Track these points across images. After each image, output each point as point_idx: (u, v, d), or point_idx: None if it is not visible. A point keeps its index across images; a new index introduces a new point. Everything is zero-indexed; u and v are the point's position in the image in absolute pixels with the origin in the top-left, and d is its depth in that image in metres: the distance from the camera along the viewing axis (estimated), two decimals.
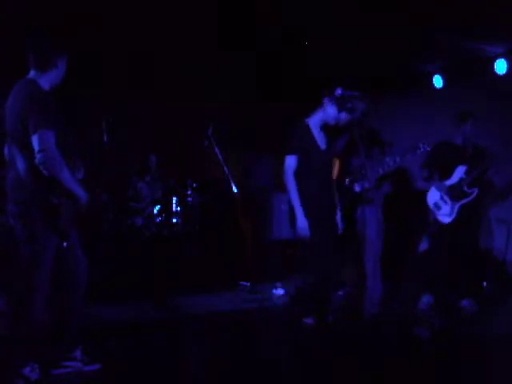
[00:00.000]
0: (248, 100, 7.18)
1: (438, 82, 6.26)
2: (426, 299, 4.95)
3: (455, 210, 4.82)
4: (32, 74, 2.96)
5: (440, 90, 6.26)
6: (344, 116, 3.94)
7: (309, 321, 4.22)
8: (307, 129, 3.89)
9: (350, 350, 3.63)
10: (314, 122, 3.94)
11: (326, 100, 3.90)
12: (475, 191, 4.77)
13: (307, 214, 3.78)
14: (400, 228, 5.56)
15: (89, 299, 3.17)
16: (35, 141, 2.75)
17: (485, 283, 5.28)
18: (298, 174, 3.85)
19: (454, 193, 4.85)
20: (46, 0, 4.37)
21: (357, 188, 4.27)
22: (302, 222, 3.77)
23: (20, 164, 2.84)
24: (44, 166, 2.74)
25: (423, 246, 5.83)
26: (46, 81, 2.95)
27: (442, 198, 4.90)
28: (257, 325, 4.47)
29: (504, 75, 5.58)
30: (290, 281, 5.89)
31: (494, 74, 5.63)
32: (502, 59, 5.56)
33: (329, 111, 3.89)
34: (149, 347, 3.66)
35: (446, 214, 4.89)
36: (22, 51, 2.96)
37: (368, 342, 3.76)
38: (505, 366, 3.32)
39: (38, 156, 2.74)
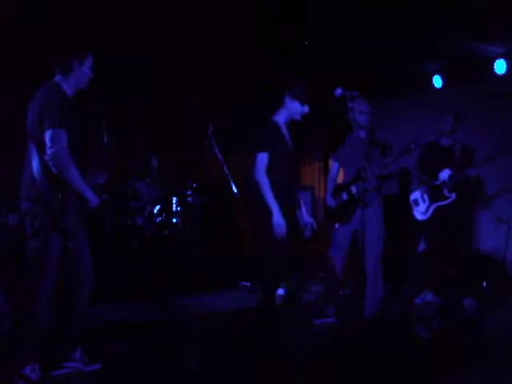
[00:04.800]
0: (248, 100, 7.18)
1: (437, 82, 6.26)
2: (423, 295, 4.99)
3: (430, 210, 4.98)
4: (57, 77, 3.05)
5: (440, 89, 6.26)
6: (307, 109, 3.90)
7: (317, 321, 4.22)
8: (276, 126, 3.87)
9: (350, 349, 3.63)
10: (280, 119, 3.92)
11: (286, 97, 3.88)
12: (452, 196, 4.87)
13: (265, 208, 3.75)
14: (400, 228, 5.56)
15: (89, 299, 3.17)
16: (47, 137, 2.84)
17: (485, 283, 5.29)
18: (266, 171, 3.81)
19: (433, 193, 4.96)
20: (46, 1, 4.38)
21: (353, 189, 4.28)
22: (278, 218, 3.65)
23: (35, 162, 2.91)
24: (52, 163, 2.82)
25: (422, 246, 5.84)
26: (69, 85, 3.05)
27: (422, 196, 5.05)
28: (256, 325, 4.46)
29: (504, 75, 5.58)
30: (289, 281, 5.89)
31: (494, 73, 5.63)
32: (502, 59, 5.56)
33: (292, 107, 3.85)
34: (149, 347, 3.66)
35: (421, 212, 5.08)
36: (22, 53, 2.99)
37: (368, 341, 3.76)
38: (505, 365, 3.32)
39: (47, 152, 2.82)
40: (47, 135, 2.83)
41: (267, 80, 6.46)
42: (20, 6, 4.48)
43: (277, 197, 3.70)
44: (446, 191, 4.89)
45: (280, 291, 5.71)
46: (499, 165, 5.02)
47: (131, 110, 6.50)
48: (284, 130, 3.86)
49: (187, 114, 6.91)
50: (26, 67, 3.29)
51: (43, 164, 2.87)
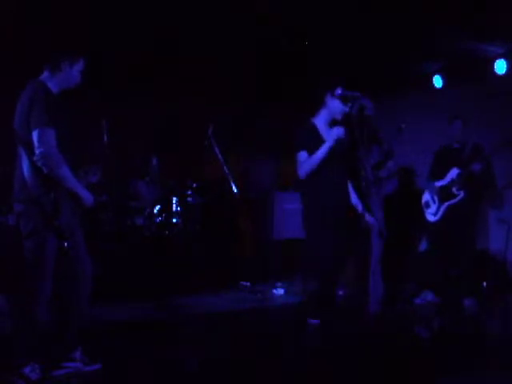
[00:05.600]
0: (248, 100, 7.18)
1: (437, 82, 6.26)
2: (423, 295, 5.00)
3: (441, 210, 5.01)
4: (44, 74, 3.03)
5: (440, 89, 6.26)
6: (348, 108, 3.82)
7: (313, 321, 4.20)
8: (313, 128, 3.80)
9: (350, 349, 3.62)
10: (320, 120, 3.85)
11: (327, 96, 3.82)
12: (461, 194, 4.90)
13: (314, 215, 3.67)
14: (400, 228, 5.56)
15: (89, 299, 3.17)
16: (34, 137, 2.81)
17: (485, 283, 5.30)
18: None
19: (442, 193, 5.00)
20: (46, 1, 4.37)
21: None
22: (334, 132, 3.65)
23: (24, 163, 2.88)
24: (42, 163, 2.80)
25: (423, 245, 5.85)
26: (55, 84, 3.02)
27: (432, 197, 5.05)
28: (257, 325, 4.47)
29: (504, 75, 5.58)
30: (290, 281, 5.90)
31: (494, 73, 5.63)
32: (502, 59, 5.56)
33: (332, 106, 3.82)
34: (149, 347, 3.66)
35: (432, 213, 5.13)
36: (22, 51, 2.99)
37: (369, 341, 3.76)
38: (504, 365, 3.32)
39: (36, 153, 2.79)
40: (34, 135, 2.80)
41: (267, 80, 6.47)
42: (20, 6, 4.47)
43: (320, 196, 3.67)
44: (454, 189, 4.91)
45: (279, 291, 5.73)
46: (499, 165, 5.03)
47: (131, 110, 6.49)
48: (323, 131, 3.80)
49: (187, 114, 6.91)
50: (26, 67, 3.29)
51: (33, 165, 2.83)
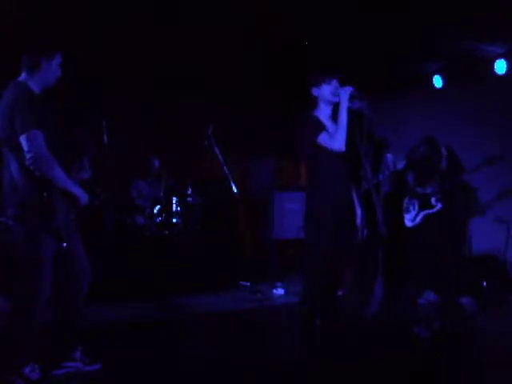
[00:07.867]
0: (248, 100, 7.18)
1: (437, 82, 6.26)
2: (426, 295, 5.01)
3: (418, 218, 5.11)
4: (22, 76, 2.98)
5: (440, 89, 6.26)
6: (336, 83, 3.69)
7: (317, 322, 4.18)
8: (318, 119, 3.72)
9: (350, 349, 3.63)
10: (321, 113, 3.76)
11: (312, 90, 3.75)
12: (439, 205, 4.98)
13: (317, 214, 3.63)
14: (400, 228, 5.56)
15: (89, 299, 3.17)
16: (24, 141, 2.77)
17: (485, 283, 5.30)
18: (313, 171, 3.67)
19: (421, 202, 5.08)
20: (46, 1, 4.38)
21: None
22: (345, 91, 3.60)
23: (13, 166, 2.85)
24: (34, 166, 2.77)
25: None
26: (36, 83, 2.96)
27: (412, 203, 5.11)
28: (257, 325, 4.47)
29: (504, 75, 5.58)
30: (289, 281, 5.90)
31: (494, 73, 5.63)
32: (502, 59, 5.57)
33: (322, 93, 3.67)
34: (149, 347, 3.66)
35: (409, 219, 5.19)
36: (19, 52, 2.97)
37: (368, 341, 3.76)
38: (504, 365, 3.32)
39: (27, 156, 2.76)
40: (23, 140, 2.76)
41: (267, 80, 6.47)
42: (20, 6, 4.48)
43: (324, 196, 3.59)
44: (433, 200, 4.99)
45: (279, 291, 5.73)
46: (499, 165, 5.02)
47: (131, 110, 6.50)
48: (328, 125, 3.70)
49: (187, 114, 6.91)
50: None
51: (22, 167, 2.81)
